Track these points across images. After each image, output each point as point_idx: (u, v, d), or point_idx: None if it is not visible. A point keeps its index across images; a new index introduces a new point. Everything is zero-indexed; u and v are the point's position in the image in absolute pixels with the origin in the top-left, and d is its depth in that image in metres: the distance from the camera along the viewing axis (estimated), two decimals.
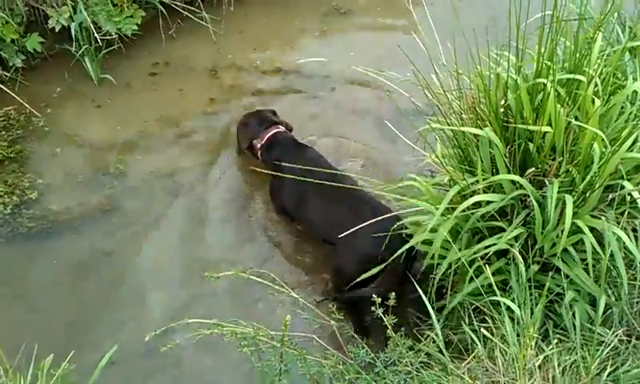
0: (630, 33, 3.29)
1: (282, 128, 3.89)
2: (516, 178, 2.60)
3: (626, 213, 2.57)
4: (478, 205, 2.70)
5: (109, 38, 4.56)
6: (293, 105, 4.50)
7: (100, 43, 4.51)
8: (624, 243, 2.50)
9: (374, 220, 2.94)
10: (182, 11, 4.87)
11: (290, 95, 4.58)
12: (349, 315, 3.25)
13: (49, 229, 3.75)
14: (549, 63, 2.64)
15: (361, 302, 3.19)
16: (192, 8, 4.90)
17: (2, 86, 4.35)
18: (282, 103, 4.47)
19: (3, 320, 3.38)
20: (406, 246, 2.93)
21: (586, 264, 2.58)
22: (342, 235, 3.03)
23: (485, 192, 2.72)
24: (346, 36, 5.00)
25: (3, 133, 4.23)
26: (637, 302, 2.60)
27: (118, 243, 3.72)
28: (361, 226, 2.93)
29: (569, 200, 2.48)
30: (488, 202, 2.69)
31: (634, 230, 2.65)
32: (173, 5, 4.81)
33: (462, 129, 2.78)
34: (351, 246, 3.13)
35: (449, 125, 2.89)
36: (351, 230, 2.92)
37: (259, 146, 3.87)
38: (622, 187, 2.53)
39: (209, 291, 3.46)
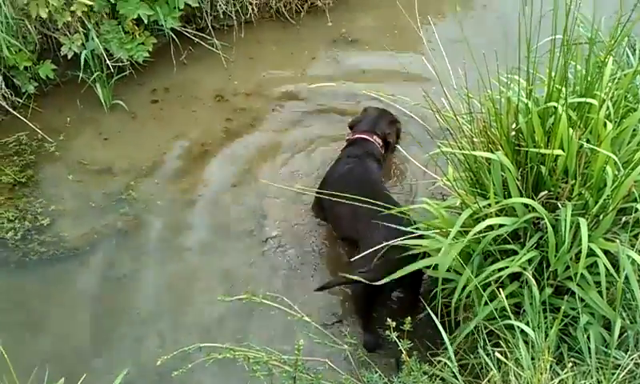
0: None
1: (372, 138, 3.96)
2: (529, 201, 2.59)
3: None
4: (489, 228, 2.69)
5: (120, 64, 4.62)
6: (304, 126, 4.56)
7: (112, 70, 4.57)
8: (639, 266, 2.48)
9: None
10: (193, 38, 4.94)
11: (300, 116, 4.65)
12: (358, 316, 3.33)
13: (60, 254, 3.75)
14: (560, 87, 2.64)
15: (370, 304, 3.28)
16: (203, 35, 4.96)
17: (15, 112, 4.41)
18: (298, 125, 4.58)
19: (15, 344, 3.36)
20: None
21: (600, 287, 2.57)
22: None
23: (497, 215, 2.72)
24: (356, 62, 5.03)
25: (15, 158, 4.26)
26: None
27: (132, 268, 3.71)
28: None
29: (583, 223, 2.47)
30: (500, 226, 2.68)
31: None
32: (184, 32, 4.88)
33: (474, 153, 2.78)
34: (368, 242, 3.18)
35: (460, 148, 2.90)
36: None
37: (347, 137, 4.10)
38: (636, 210, 2.52)
39: (222, 313, 3.46)
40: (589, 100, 2.62)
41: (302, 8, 5.33)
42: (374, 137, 3.96)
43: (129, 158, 4.31)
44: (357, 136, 3.98)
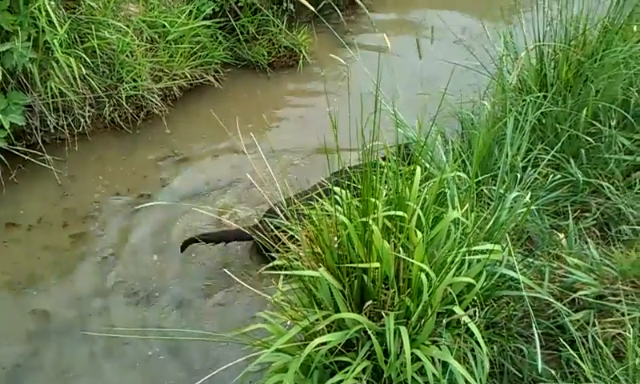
0: (452, 155, 3.46)
1: None
2: (353, 315, 2.62)
3: (462, 336, 2.65)
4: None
5: None
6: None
7: None
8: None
9: None
10: (23, 155, 4.71)
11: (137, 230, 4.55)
12: None
13: None
14: (372, 200, 2.73)
15: None
16: (33, 151, 4.75)
17: None
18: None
19: None
20: None
21: None
22: None
23: (329, 326, 2.73)
24: (188, 176, 5.00)
25: None
26: None
27: None
28: None
29: (404, 332, 2.53)
30: None
31: (472, 350, 2.73)
32: (11, 150, 4.64)
33: (296, 273, 2.80)
34: None
35: (288, 262, 2.92)
36: None
37: None
38: (453, 312, 2.62)
39: None
40: (397, 213, 2.72)
41: (138, 117, 5.24)
42: None
43: None
44: None
